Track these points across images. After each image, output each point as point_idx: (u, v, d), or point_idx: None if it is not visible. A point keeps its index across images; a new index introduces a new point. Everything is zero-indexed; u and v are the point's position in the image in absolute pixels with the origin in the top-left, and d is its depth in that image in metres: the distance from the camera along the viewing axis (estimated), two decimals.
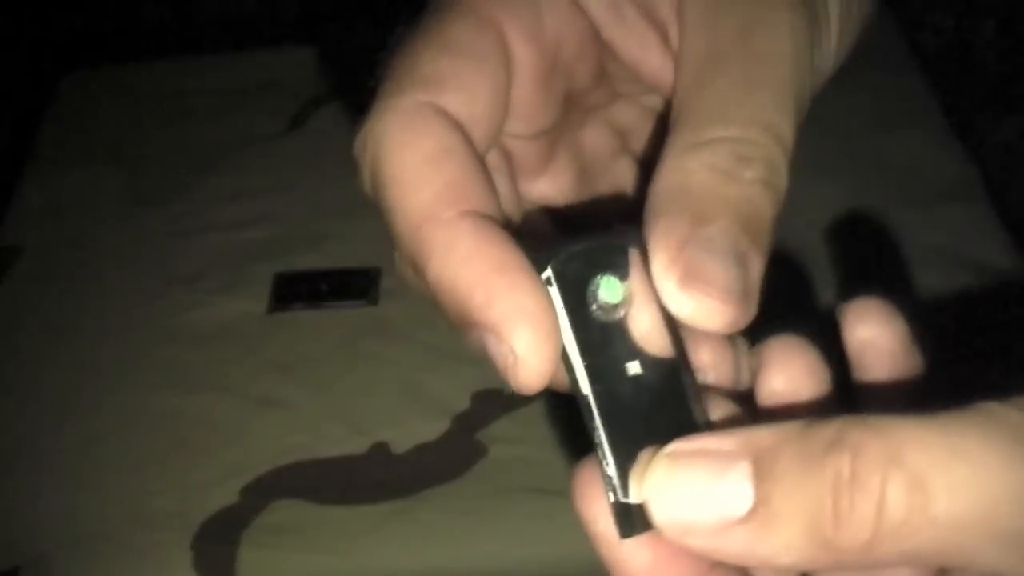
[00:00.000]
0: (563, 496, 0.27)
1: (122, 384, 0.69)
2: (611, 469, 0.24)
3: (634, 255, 0.24)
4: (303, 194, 0.80)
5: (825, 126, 0.76)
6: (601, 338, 0.24)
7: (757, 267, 0.24)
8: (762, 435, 0.22)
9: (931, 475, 0.21)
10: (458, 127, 0.25)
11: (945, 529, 0.21)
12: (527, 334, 0.23)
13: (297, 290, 0.74)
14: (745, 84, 0.25)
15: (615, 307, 0.24)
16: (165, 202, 0.81)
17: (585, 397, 0.24)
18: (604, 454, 0.24)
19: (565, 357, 0.24)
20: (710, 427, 0.25)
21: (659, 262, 0.24)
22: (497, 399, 0.65)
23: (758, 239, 0.24)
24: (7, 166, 0.87)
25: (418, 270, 0.25)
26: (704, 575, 0.25)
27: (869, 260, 0.71)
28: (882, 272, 0.70)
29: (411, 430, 0.65)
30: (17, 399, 0.69)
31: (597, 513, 0.25)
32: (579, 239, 0.25)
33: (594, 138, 0.32)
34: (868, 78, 0.77)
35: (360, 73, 0.28)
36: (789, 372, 0.26)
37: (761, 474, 0.22)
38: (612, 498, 0.24)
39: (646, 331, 0.25)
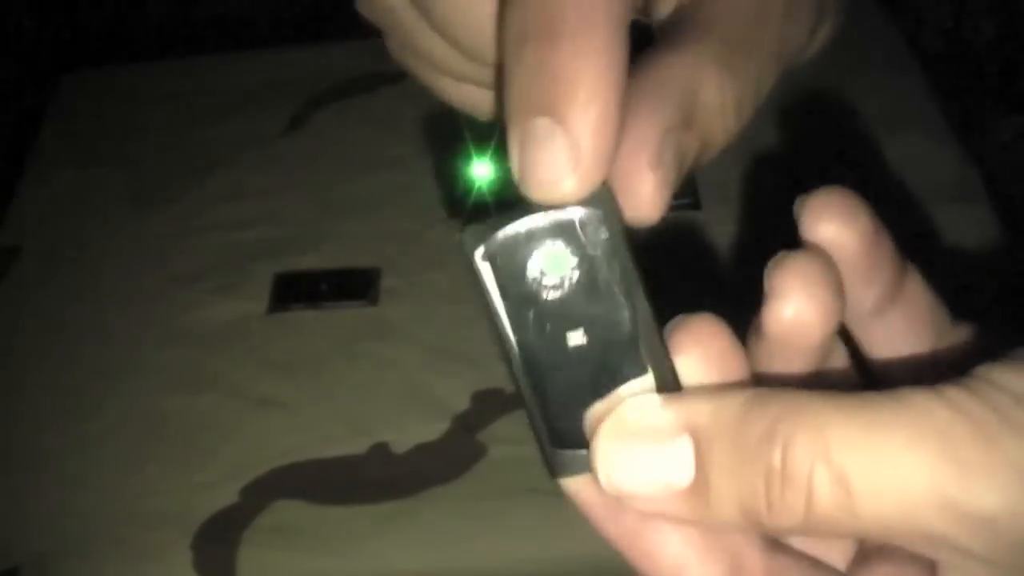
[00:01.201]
0: (563, 496, 0.27)
1: (122, 384, 0.69)
2: (541, 428, 0.26)
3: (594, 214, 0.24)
4: (303, 194, 0.80)
5: (825, 126, 0.76)
6: (538, 309, 0.25)
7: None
8: (701, 412, 0.24)
9: (855, 475, 0.22)
10: None
11: (869, 524, 0.22)
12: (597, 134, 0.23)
13: (297, 290, 0.74)
14: (758, 46, 0.29)
15: (559, 277, 0.25)
16: (165, 202, 0.81)
17: (514, 364, 0.25)
18: (533, 415, 0.26)
19: (497, 331, 0.25)
20: (665, 383, 0.25)
21: (632, 139, 0.25)
22: (497, 399, 0.65)
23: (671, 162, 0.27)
24: (7, 166, 0.87)
25: (516, 37, 0.24)
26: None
27: None
28: None
29: (411, 430, 0.65)
30: (17, 399, 0.69)
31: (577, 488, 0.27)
32: (518, 212, 0.25)
33: None
34: (868, 78, 0.77)
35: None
36: (799, 301, 0.26)
37: (700, 454, 0.23)
38: (543, 451, 0.26)
39: (604, 287, 0.25)
